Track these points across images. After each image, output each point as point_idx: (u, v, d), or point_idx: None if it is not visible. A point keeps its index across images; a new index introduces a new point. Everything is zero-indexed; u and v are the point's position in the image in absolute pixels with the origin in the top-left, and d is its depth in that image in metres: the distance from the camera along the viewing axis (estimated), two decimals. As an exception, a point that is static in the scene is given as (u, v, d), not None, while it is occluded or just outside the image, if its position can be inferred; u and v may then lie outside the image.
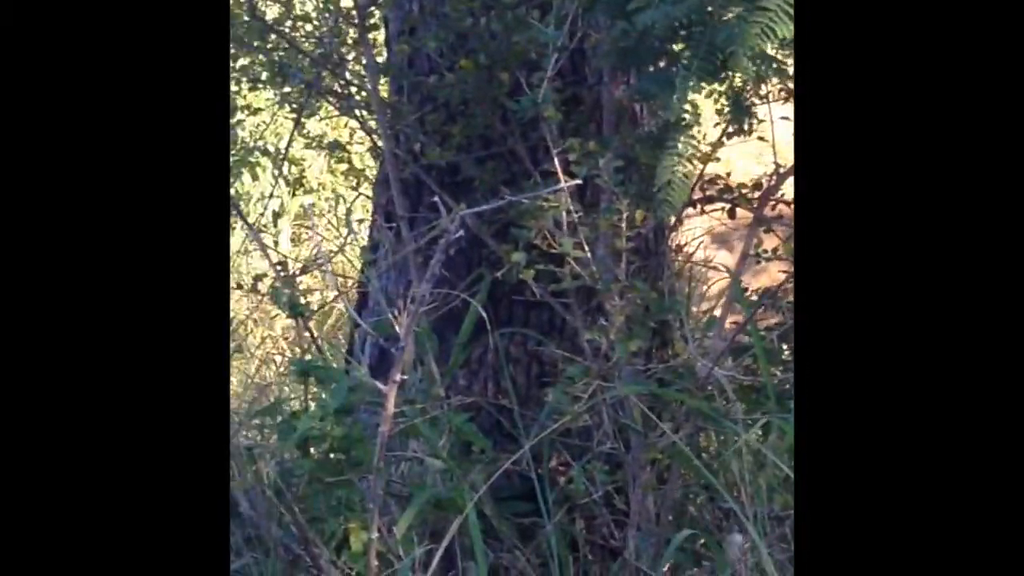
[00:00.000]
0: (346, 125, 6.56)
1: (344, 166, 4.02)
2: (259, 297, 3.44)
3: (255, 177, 7.22)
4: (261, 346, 5.34)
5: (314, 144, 4.41)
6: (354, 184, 5.90)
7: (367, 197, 4.10)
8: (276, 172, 7.17)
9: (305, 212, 7.27)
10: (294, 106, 3.94)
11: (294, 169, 7.21)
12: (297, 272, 3.37)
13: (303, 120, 4.15)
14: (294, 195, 7.39)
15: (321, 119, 6.82)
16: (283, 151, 7.01)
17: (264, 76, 3.72)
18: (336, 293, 3.50)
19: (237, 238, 6.75)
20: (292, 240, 7.03)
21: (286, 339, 5.45)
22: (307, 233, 7.09)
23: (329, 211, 7.20)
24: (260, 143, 6.88)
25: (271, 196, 4.72)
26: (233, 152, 7.28)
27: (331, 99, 3.81)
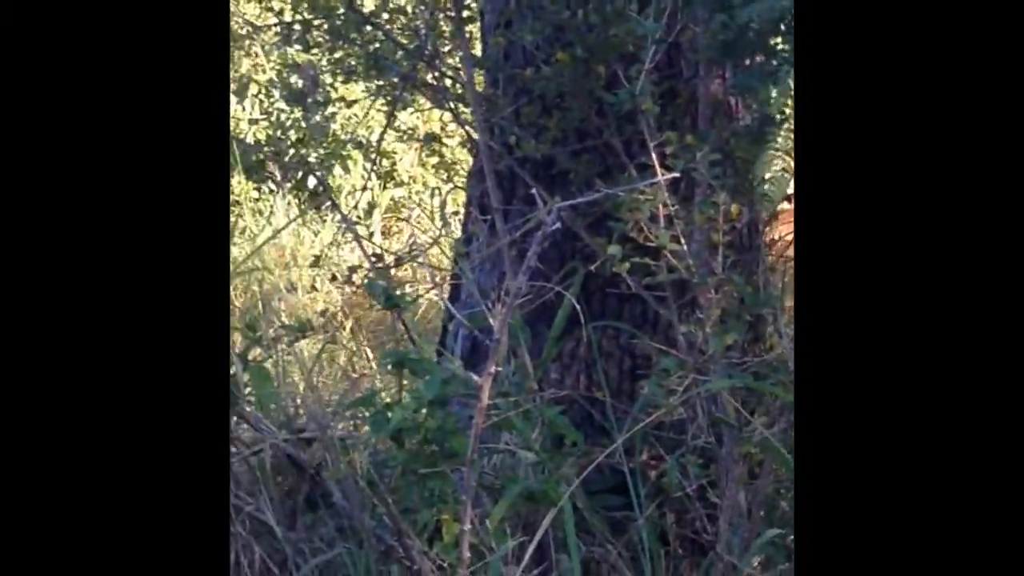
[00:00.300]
0: (441, 118, 6.57)
1: (435, 159, 4.03)
2: (353, 289, 3.46)
3: (346, 170, 7.26)
4: (354, 338, 5.36)
5: (405, 137, 4.46)
6: (444, 177, 5.93)
7: (461, 189, 4.11)
8: (367, 165, 7.21)
9: (396, 205, 7.30)
10: (387, 99, 3.95)
11: (385, 162, 7.24)
12: (392, 264, 3.38)
13: (395, 113, 4.17)
14: (384, 188, 7.42)
15: (412, 112, 6.85)
16: (375, 144, 7.07)
17: (359, 69, 3.73)
18: (431, 285, 3.50)
19: (328, 230, 6.80)
20: (382, 233, 7.06)
21: (380, 330, 5.48)
22: (398, 226, 7.12)
23: (419, 204, 7.23)
24: (352, 136, 6.92)
25: (364, 189, 4.74)
26: (325, 145, 7.34)
27: (425, 92, 3.82)
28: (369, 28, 3.61)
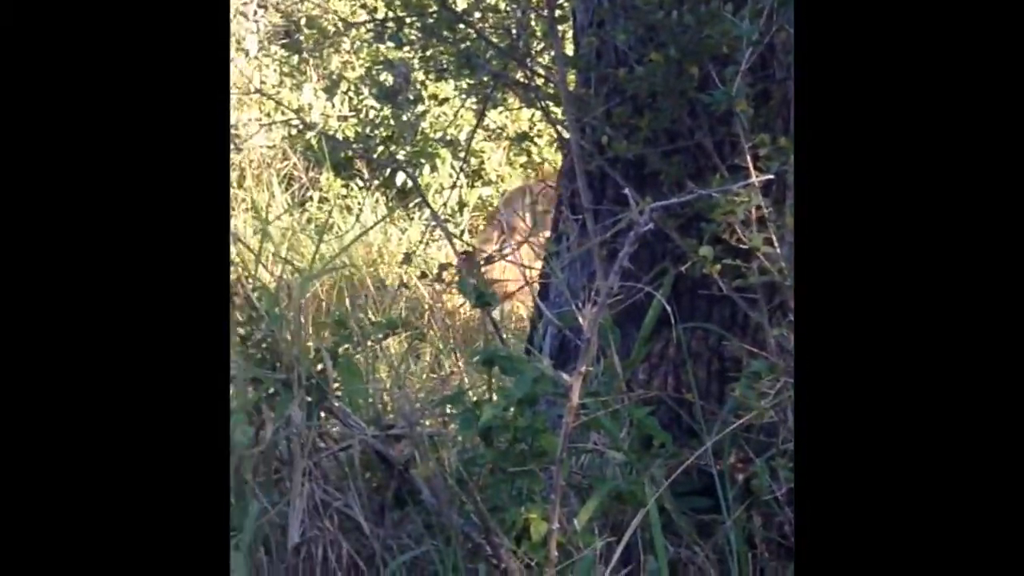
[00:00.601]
0: (532, 117, 6.57)
1: (523, 159, 4.04)
2: (442, 286, 3.47)
3: (434, 168, 7.27)
4: (441, 336, 5.38)
5: (493, 136, 4.45)
6: (533, 177, 5.92)
7: (551, 188, 4.11)
8: (456, 163, 7.22)
9: (483, 204, 7.30)
10: (478, 97, 3.95)
11: (473, 161, 7.25)
12: (482, 262, 3.39)
13: (486, 112, 4.17)
14: (472, 187, 7.43)
15: (501, 111, 6.86)
16: (463, 143, 7.07)
17: (450, 67, 3.74)
18: (523, 284, 3.51)
19: (416, 228, 6.82)
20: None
21: (468, 328, 5.49)
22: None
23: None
24: (440, 135, 6.92)
25: (454, 187, 4.75)
26: (413, 143, 7.36)
27: (515, 90, 3.82)
28: (461, 26, 3.62)
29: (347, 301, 5.61)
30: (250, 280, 2.87)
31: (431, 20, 3.57)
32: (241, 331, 2.81)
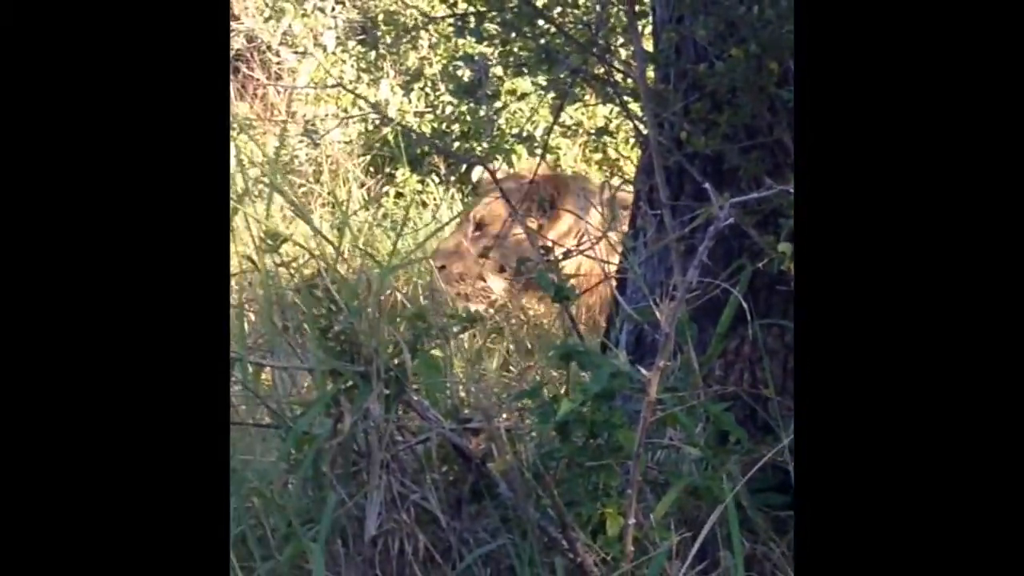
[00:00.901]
0: (610, 113, 6.57)
1: (598, 155, 4.04)
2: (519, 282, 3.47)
3: (510, 164, 7.28)
4: (516, 330, 5.38)
5: (569, 133, 4.45)
6: (608, 173, 5.91)
7: (629, 182, 4.10)
8: (531, 160, 7.22)
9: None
10: (557, 93, 3.95)
11: (549, 157, 7.25)
12: (560, 257, 3.39)
13: (564, 108, 4.17)
14: (547, 183, 7.43)
15: (577, 108, 6.85)
16: (538, 138, 7.08)
17: (528, 62, 3.74)
18: (602, 278, 3.52)
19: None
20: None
21: (546, 321, 5.49)
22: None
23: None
24: (520, 130, 6.93)
25: (531, 182, 4.77)
26: (489, 139, 7.37)
27: (593, 86, 3.82)
28: (541, 21, 3.62)
29: (420, 296, 5.62)
30: (329, 273, 2.89)
31: (511, 15, 3.57)
32: (321, 323, 2.83)
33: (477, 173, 7.13)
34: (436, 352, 3.01)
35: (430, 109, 7.85)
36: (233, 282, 2.80)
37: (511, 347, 5.30)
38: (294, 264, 2.95)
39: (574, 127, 7.15)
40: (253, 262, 2.95)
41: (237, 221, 3.10)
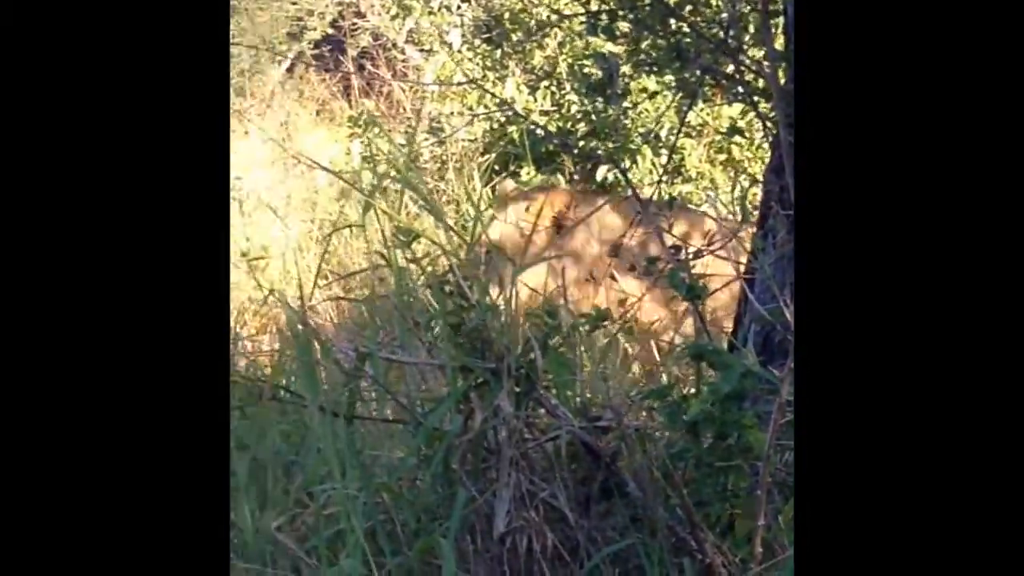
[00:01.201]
0: (738, 113, 6.55)
1: (723, 156, 4.03)
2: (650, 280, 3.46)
3: (635, 163, 7.27)
4: (643, 329, 5.38)
5: (695, 133, 4.44)
6: (732, 173, 5.90)
7: (758, 181, 4.09)
8: (655, 159, 7.22)
9: (683, 200, 7.28)
10: (686, 92, 3.96)
11: (673, 157, 7.24)
12: (690, 256, 3.39)
13: (692, 107, 4.17)
14: (672, 183, 7.42)
15: (702, 108, 6.83)
16: (663, 138, 7.07)
17: (659, 60, 3.75)
18: (733, 277, 3.51)
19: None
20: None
21: (672, 320, 5.49)
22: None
23: (705, 201, 7.20)
24: (647, 130, 6.93)
25: (660, 182, 4.74)
26: (614, 138, 7.37)
27: (724, 85, 3.82)
28: (672, 20, 3.62)
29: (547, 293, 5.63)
30: (460, 270, 2.90)
31: (643, 13, 3.57)
32: (452, 320, 2.84)
33: (602, 172, 7.14)
34: (565, 350, 3.01)
35: (555, 108, 7.85)
36: (365, 278, 2.81)
37: (634, 347, 5.30)
38: (425, 260, 2.97)
39: (699, 127, 7.13)
40: (385, 258, 2.98)
41: (369, 217, 3.13)
